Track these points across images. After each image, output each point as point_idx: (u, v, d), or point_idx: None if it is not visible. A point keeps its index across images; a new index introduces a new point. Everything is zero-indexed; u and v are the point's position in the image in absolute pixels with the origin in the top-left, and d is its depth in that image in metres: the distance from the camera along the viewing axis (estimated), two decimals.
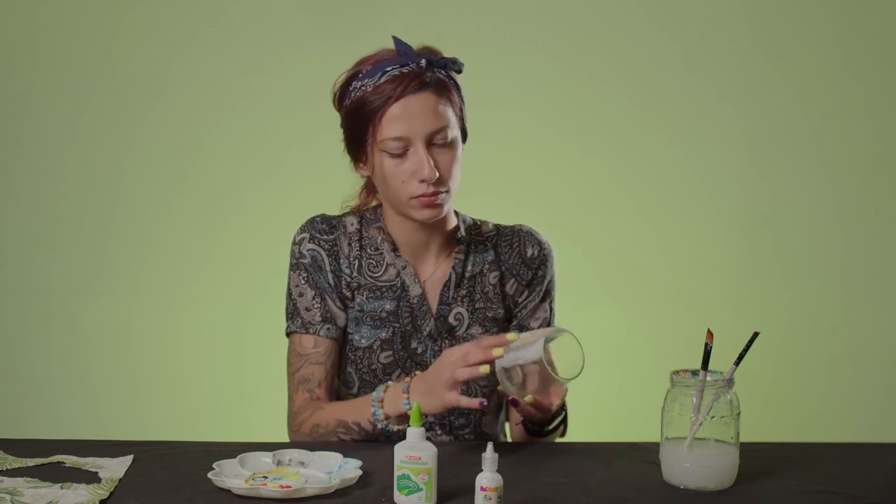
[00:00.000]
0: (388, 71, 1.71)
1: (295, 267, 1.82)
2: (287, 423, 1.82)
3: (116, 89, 2.96)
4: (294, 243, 1.82)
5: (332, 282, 1.80)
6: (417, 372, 1.70)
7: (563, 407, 1.75)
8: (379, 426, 1.68)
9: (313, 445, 1.62)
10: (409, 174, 1.70)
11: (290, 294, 1.82)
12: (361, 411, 1.70)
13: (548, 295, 1.89)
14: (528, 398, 1.58)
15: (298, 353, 1.81)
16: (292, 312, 1.82)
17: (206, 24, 2.97)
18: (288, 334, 1.83)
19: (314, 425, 1.74)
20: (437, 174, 1.70)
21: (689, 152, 3.04)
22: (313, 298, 1.80)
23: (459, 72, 1.77)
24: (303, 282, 1.81)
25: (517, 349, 1.57)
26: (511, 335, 1.58)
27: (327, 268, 1.80)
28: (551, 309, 1.91)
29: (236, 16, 2.97)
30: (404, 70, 1.71)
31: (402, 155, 1.71)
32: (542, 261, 1.87)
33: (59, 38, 2.96)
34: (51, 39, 2.96)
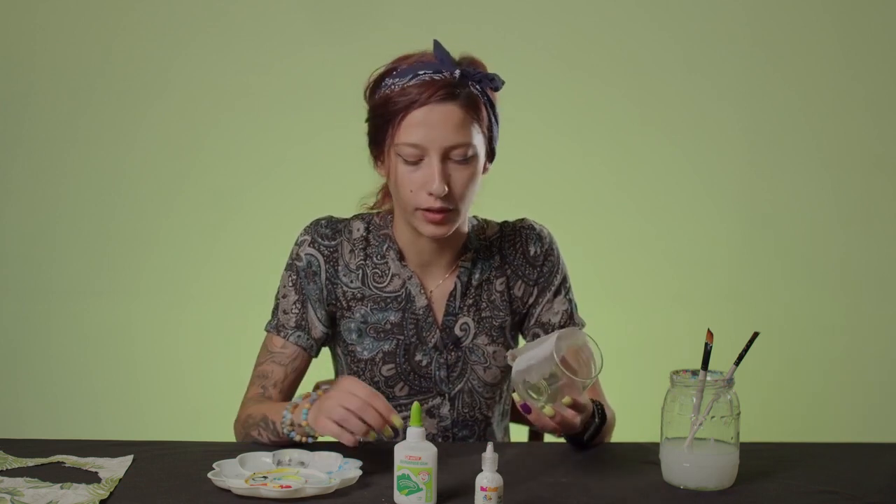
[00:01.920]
0: (419, 74, 1.65)
1: (289, 267, 1.80)
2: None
3: (116, 89, 2.96)
4: (295, 244, 1.80)
5: (324, 290, 1.78)
6: (329, 386, 1.61)
7: (594, 416, 1.66)
8: (284, 430, 1.60)
9: (313, 445, 1.61)
10: (420, 184, 1.65)
11: (277, 292, 1.81)
12: (279, 412, 1.63)
13: (562, 286, 1.85)
14: (548, 409, 1.49)
15: (267, 349, 1.79)
16: (273, 311, 1.81)
17: (206, 24, 2.97)
18: (266, 330, 1.81)
19: (247, 415, 1.71)
20: (447, 189, 1.64)
21: (689, 152, 3.04)
22: (294, 303, 1.78)
23: (497, 89, 1.72)
24: (290, 284, 1.79)
25: (529, 348, 1.52)
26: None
27: (322, 275, 1.78)
28: (570, 300, 1.86)
29: (236, 16, 2.98)
30: (436, 77, 1.65)
31: (415, 163, 1.65)
32: (545, 255, 1.84)
33: (59, 38, 2.96)
34: (51, 39, 2.96)
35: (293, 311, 1.78)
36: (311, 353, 1.80)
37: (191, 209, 3.00)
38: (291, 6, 2.97)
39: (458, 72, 1.66)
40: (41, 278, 3.01)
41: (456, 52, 1.72)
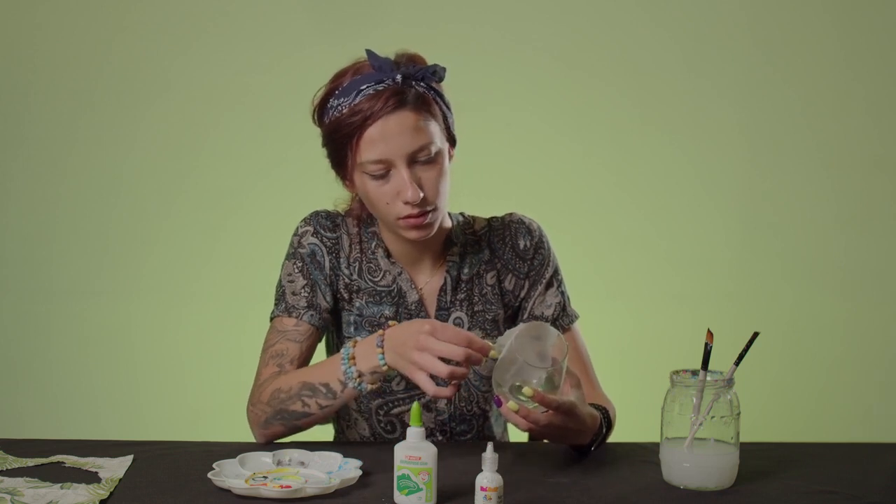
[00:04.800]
0: (363, 90, 1.64)
1: (292, 256, 1.79)
2: (248, 401, 1.73)
3: (116, 89, 2.97)
4: (296, 234, 1.80)
5: (328, 279, 1.78)
6: (392, 323, 1.61)
7: (602, 427, 1.64)
8: (350, 385, 1.60)
9: (313, 445, 1.61)
10: (393, 196, 1.66)
11: (280, 281, 1.80)
12: (330, 371, 1.62)
13: (554, 279, 1.85)
14: (511, 404, 1.47)
15: (278, 330, 1.77)
16: (279, 298, 1.79)
17: (206, 24, 2.97)
18: (271, 318, 1.79)
19: (275, 390, 1.68)
20: (422, 194, 1.64)
21: (689, 152, 3.05)
22: (303, 287, 1.77)
23: (441, 80, 1.70)
24: (296, 270, 1.78)
25: (500, 347, 1.51)
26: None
27: (326, 265, 1.78)
28: (562, 292, 1.85)
29: (236, 16, 2.98)
30: (380, 88, 1.63)
31: (383, 176, 1.65)
32: (536, 248, 1.84)
33: (59, 38, 2.96)
34: (51, 39, 2.96)
35: (303, 293, 1.77)
36: (321, 333, 1.79)
37: (191, 209, 3.00)
38: (291, 6, 2.97)
39: (399, 76, 1.65)
40: (41, 278, 3.01)
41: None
